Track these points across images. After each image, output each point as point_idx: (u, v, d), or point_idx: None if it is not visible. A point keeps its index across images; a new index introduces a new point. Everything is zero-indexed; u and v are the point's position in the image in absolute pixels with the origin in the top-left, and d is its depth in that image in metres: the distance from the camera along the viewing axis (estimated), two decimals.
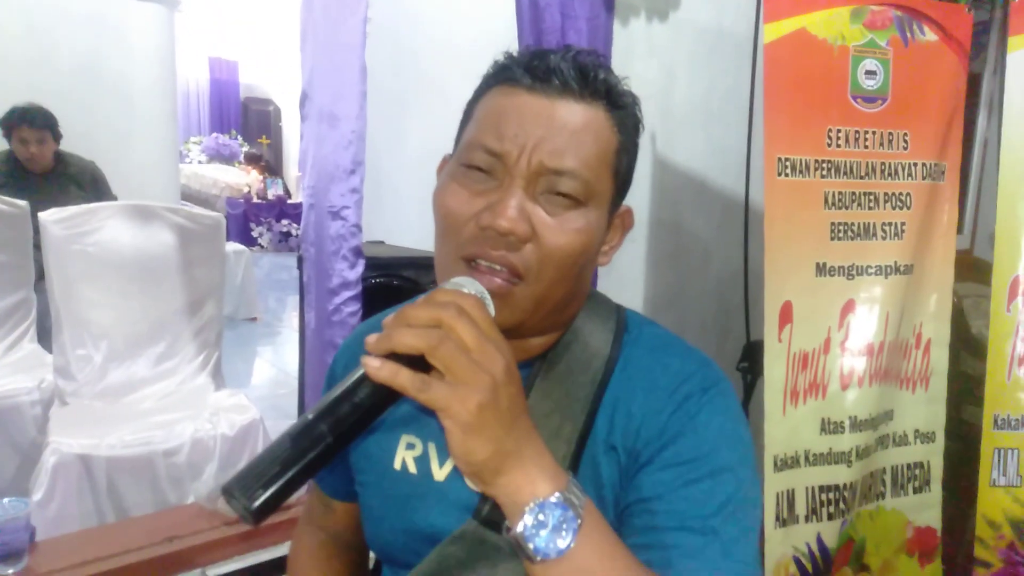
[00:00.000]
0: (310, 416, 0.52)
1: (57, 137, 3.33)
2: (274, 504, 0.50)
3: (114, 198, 3.42)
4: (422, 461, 0.75)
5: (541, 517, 0.53)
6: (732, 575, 0.62)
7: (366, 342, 0.53)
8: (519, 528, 0.54)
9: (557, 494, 0.54)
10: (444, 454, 0.74)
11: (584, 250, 0.67)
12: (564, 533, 0.53)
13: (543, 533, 0.53)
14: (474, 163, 0.66)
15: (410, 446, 0.76)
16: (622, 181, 0.72)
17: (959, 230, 3.50)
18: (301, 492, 1.67)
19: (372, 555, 0.95)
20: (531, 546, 0.53)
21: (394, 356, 0.52)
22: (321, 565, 0.91)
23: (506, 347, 0.55)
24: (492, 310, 0.62)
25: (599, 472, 0.68)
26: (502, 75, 0.69)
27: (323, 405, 0.52)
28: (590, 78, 0.67)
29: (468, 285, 0.61)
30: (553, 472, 0.56)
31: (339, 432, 0.52)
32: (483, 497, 0.68)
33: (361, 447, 0.80)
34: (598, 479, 0.68)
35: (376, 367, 0.51)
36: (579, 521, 0.54)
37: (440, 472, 0.73)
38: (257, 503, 0.49)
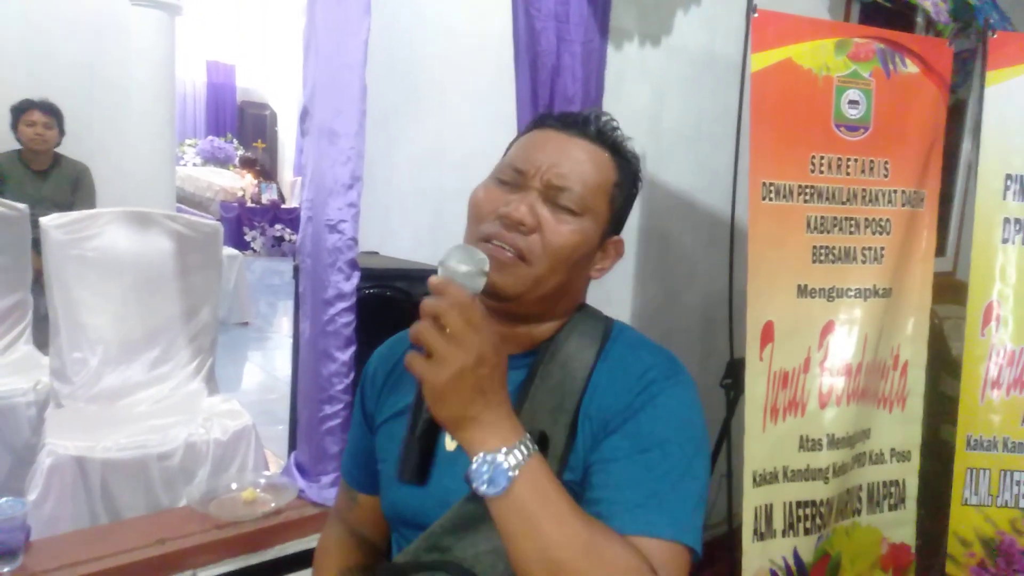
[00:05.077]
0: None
1: (62, 131, 3.43)
2: None
3: (93, 203, 3.50)
4: None
5: (484, 466, 0.68)
6: (662, 528, 0.74)
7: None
8: (471, 469, 0.68)
9: (504, 449, 0.68)
10: None
11: (576, 247, 0.84)
12: (500, 478, 0.67)
13: (485, 476, 0.68)
14: (504, 178, 0.86)
15: None
16: (617, 212, 0.90)
17: (942, 252, 3.59)
18: (291, 498, 1.69)
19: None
20: (474, 484, 0.68)
21: None
22: (344, 554, 1.03)
23: (488, 339, 0.68)
24: (487, 269, 0.75)
25: (580, 436, 0.82)
26: (538, 122, 0.91)
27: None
28: (604, 130, 0.88)
29: (466, 262, 0.74)
30: (506, 434, 0.69)
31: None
32: None
33: (385, 429, 0.95)
34: (578, 442, 0.82)
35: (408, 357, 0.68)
36: (514, 473, 0.68)
37: (451, 444, 0.85)
38: None
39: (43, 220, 2.12)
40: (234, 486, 1.74)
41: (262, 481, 1.78)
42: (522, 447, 0.69)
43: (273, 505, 1.67)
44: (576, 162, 0.84)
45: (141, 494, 1.92)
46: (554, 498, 0.69)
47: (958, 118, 3.33)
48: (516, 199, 0.83)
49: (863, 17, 2.71)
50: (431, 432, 0.74)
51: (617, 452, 0.78)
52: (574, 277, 0.87)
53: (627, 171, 0.90)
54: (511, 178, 0.85)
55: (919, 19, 2.94)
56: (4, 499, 1.40)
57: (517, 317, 0.87)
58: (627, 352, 0.87)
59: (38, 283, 2.66)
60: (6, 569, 1.38)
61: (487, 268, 0.75)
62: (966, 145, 3.43)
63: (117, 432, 1.99)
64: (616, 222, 0.90)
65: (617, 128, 0.90)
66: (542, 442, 0.79)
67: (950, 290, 2.64)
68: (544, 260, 0.82)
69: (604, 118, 0.89)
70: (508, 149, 0.92)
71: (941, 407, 2.42)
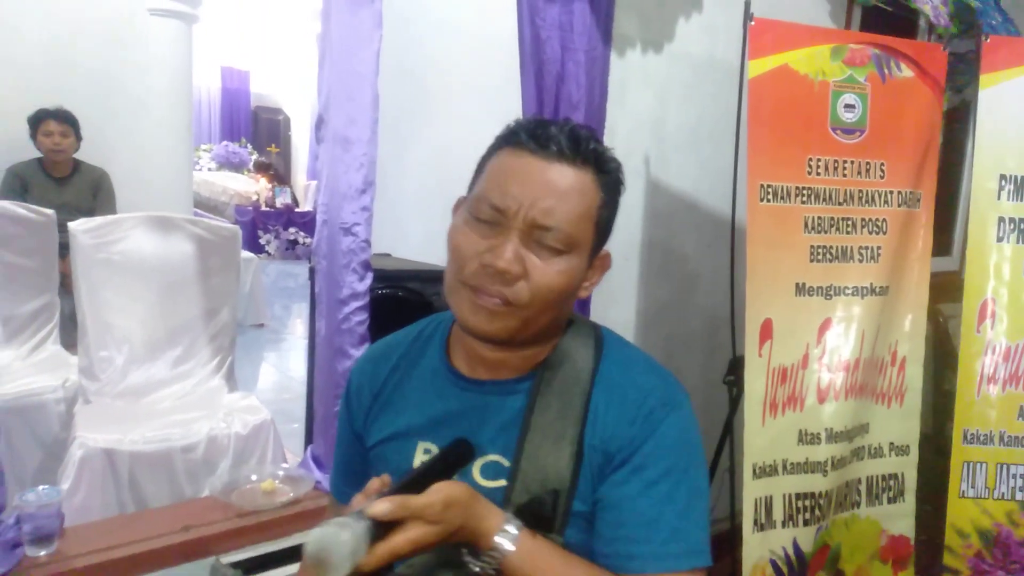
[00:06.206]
0: None
1: (79, 136, 3.52)
2: None
3: (113, 207, 3.60)
4: None
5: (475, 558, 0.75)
6: (681, 561, 0.79)
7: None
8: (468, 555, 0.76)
9: (492, 539, 0.74)
10: None
11: (565, 287, 0.82)
12: (491, 564, 0.74)
13: (477, 567, 0.75)
14: (482, 216, 0.80)
15: (427, 451, 0.88)
16: (603, 231, 0.85)
17: (947, 252, 3.61)
18: (308, 489, 1.77)
19: None
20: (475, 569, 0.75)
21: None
22: None
23: (450, 506, 0.72)
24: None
25: (587, 466, 0.82)
26: (510, 139, 0.83)
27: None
28: (582, 147, 0.81)
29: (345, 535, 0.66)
30: (486, 529, 0.74)
31: None
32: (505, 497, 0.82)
33: (379, 451, 0.93)
34: (585, 471, 0.82)
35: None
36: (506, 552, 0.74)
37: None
38: None
39: (71, 225, 2.21)
40: (254, 477, 1.83)
41: (280, 473, 1.86)
42: (506, 533, 0.74)
43: (291, 495, 1.75)
44: (559, 195, 0.78)
45: (166, 484, 2.01)
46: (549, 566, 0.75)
47: (963, 119, 3.35)
48: (499, 244, 0.78)
49: (864, 22, 2.75)
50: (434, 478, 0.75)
51: (627, 488, 0.80)
52: (564, 308, 0.86)
53: (610, 183, 0.84)
54: (491, 217, 0.79)
55: (921, 23, 2.98)
56: (41, 487, 1.49)
57: (511, 347, 0.85)
58: (622, 376, 0.85)
59: (63, 286, 2.78)
60: (43, 553, 1.46)
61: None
62: (970, 145, 3.45)
63: (143, 426, 2.08)
64: (601, 239, 0.86)
65: (593, 138, 0.82)
66: (555, 498, 0.80)
67: (956, 289, 2.67)
68: (532, 305, 0.79)
69: (579, 131, 0.82)
70: (480, 170, 0.85)
71: (946, 404, 2.45)
